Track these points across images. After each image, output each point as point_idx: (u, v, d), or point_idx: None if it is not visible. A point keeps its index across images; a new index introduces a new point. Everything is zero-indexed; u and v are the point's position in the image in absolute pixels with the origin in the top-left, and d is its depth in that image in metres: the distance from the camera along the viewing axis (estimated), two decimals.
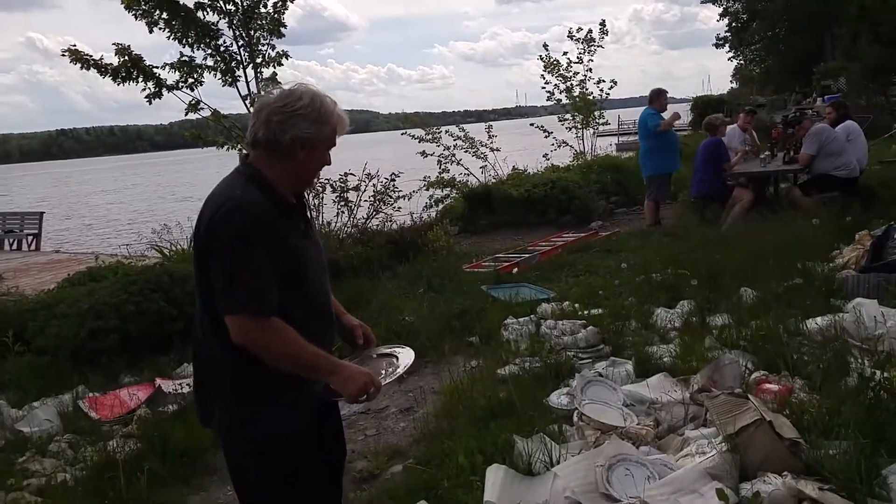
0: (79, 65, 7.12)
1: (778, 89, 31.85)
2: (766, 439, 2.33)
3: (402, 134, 11.62)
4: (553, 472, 2.49)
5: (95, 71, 7.13)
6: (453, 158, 10.90)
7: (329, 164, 1.93)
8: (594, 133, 13.71)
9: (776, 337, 3.32)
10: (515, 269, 6.71)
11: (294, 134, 1.80)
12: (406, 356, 2.07)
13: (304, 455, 1.93)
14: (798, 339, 3.34)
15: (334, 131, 1.87)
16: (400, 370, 2.02)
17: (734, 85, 44.25)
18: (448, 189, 10.67)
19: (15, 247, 14.35)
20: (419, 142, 10.93)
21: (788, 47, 33.43)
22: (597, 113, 13.15)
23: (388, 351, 2.15)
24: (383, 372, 2.02)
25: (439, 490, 2.61)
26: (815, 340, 3.27)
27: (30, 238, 14.38)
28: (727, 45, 39.60)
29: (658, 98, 8.24)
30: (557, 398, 3.27)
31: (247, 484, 1.96)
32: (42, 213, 15.41)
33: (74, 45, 7.14)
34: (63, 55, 7.11)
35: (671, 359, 3.56)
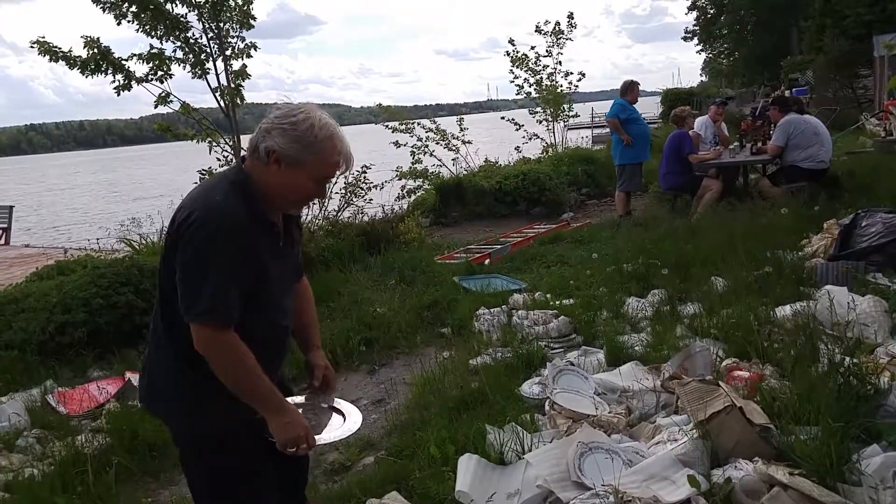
0: (47, 57, 6.96)
1: (746, 82, 32.46)
2: (737, 425, 2.33)
3: (376, 124, 11.55)
4: (525, 460, 2.47)
5: (64, 63, 6.97)
6: (426, 149, 10.85)
7: (315, 195, 1.85)
8: (565, 126, 13.77)
9: (747, 324, 3.33)
10: (487, 261, 6.69)
11: (270, 145, 1.76)
12: (352, 423, 1.98)
13: (249, 455, 1.88)
14: (768, 326, 3.36)
15: (322, 164, 1.79)
16: (339, 436, 1.95)
17: (704, 78, 45.00)
18: (420, 180, 10.62)
19: None
20: (392, 132, 10.86)
21: (756, 40, 34.09)
22: (566, 105, 13.18)
23: (339, 407, 2.05)
24: (324, 430, 1.94)
25: (411, 481, 2.58)
26: (785, 328, 3.29)
27: None
28: (695, 38, 40.21)
29: (630, 90, 8.28)
30: (529, 388, 3.26)
31: (193, 479, 1.94)
32: (12, 206, 14.85)
33: (43, 37, 6.95)
34: (31, 47, 6.93)
35: (642, 347, 3.57)
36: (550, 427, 2.84)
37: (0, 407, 3.90)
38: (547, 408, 2.97)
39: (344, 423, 1.98)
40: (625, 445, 2.51)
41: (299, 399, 2.03)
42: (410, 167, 10.68)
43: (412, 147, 10.80)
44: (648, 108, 20.38)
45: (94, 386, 4.20)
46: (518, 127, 12.63)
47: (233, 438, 1.84)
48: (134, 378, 4.18)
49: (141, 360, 2.02)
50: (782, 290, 3.90)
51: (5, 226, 14.04)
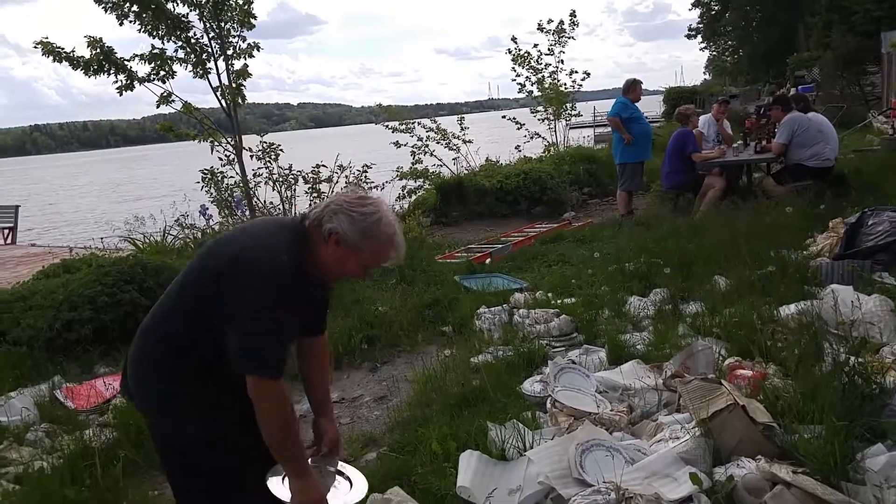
0: (51, 58, 6.99)
1: (751, 80, 32.30)
2: (740, 424, 2.32)
3: (376, 124, 11.53)
4: (527, 457, 2.46)
5: (67, 64, 7.01)
6: (426, 149, 10.84)
7: (359, 276, 1.97)
8: (567, 125, 13.71)
9: (750, 323, 3.32)
10: (488, 260, 6.69)
11: (334, 227, 1.82)
12: (357, 492, 2.01)
13: (247, 455, 1.89)
14: (772, 325, 3.34)
15: (377, 254, 1.89)
16: (347, 503, 1.98)
17: (707, 76, 44.87)
18: (421, 180, 10.62)
19: None
20: (392, 132, 10.85)
21: (761, 37, 33.82)
22: (568, 104, 13.14)
23: (345, 472, 2.10)
24: (330, 494, 1.97)
25: (413, 476, 2.57)
26: (788, 327, 3.27)
27: (6, 231, 13.96)
28: (699, 35, 40.01)
29: (632, 88, 8.24)
30: (530, 385, 3.25)
31: (186, 481, 1.98)
32: (17, 206, 14.88)
33: (47, 38, 6.97)
34: (35, 48, 6.96)
35: (644, 346, 3.56)
36: (552, 424, 2.84)
37: (10, 402, 3.94)
38: (548, 405, 2.96)
39: (351, 489, 2.01)
40: (626, 443, 2.50)
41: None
42: (411, 167, 10.68)
43: (412, 147, 10.79)
44: (651, 107, 20.29)
45: (100, 382, 4.24)
46: (519, 126, 12.59)
47: (231, 438, 1.86)
48: None
49: (127, 356, 2.00)
50: (786, 289, 3.87)
51: (11, 225, 14.11)
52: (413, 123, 11.07)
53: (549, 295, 4.84)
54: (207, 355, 1.81)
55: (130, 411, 3.57)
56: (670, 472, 2.26)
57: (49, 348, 4.71)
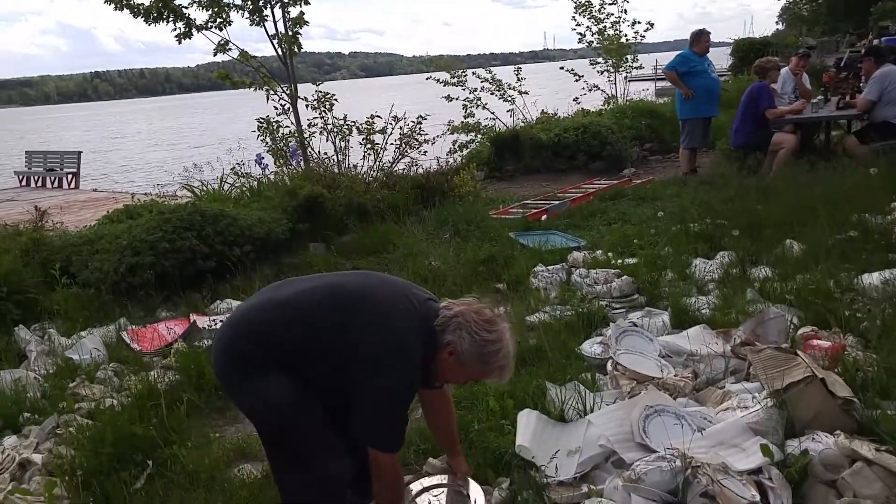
0: (112, 5, 7.02)
1: (828, 31, 30.12)
2: (818, 397, 2.21)
3: (427, 78, 11.29)
4: (587, 419, 2.42)
5: (128, 11, 7.03)
6: (479, 103, 10.58)
7: (458, 383, 2.15)
8: (627, 77, 13.15)
9: (826, 291, 3.13)
10: (544, 217, 6.55)
11: (454, 340, 1.92)
12: None
13: (316, 419, 1.99)
14: (851, 294, 3.15)
15: (482, 375, 2.02)
16: None
17: (779, 26, 42.02)
18: (472, 134, 10.40)
19: (56, 185, 14.55)
20: (444, 85, 10.61)
21: None
22: (629, 56, 12.56)
23: (469, 493, 2.25)
24: None
25: (471, 433, 2.56)
26: (871, 296, 3.07)
27: (69, 176, 14.52)
28: None
29: (698, 40, 7.77)
30: (590, 347, 3.18)
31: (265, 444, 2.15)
32: (80, 152, 15.39)
33: None
34: None
35: (710, 311, 3.43)
36: (612, 387, 2.78)
37: (81, 341, 4.14)
38: (609, 368, 2.90)
39: None
40: (691, 410, 2.43)
41: (442, 480, 2.30)
42: (462, 122, 10.45)
43: (464, 101, 10.54)
44: (717, 60, 19.15)
45: (162, 326, 4.39)
46: (577, 78, 12.14)
47: (310, 411, 1.97)
48: (199, 320, 4.33)
49: (217, 345, 2.06)
50: (869, 256, 3.64)
51: (74, 170, 14.65)
52: (464, 76, 10.79)
53: (609, 254, 4.70)
54: (300, 358, 1.93)
55: (192, 356, 3.70)
56: (739, 443, 2.19)
57: (114, 291, 4.89)
